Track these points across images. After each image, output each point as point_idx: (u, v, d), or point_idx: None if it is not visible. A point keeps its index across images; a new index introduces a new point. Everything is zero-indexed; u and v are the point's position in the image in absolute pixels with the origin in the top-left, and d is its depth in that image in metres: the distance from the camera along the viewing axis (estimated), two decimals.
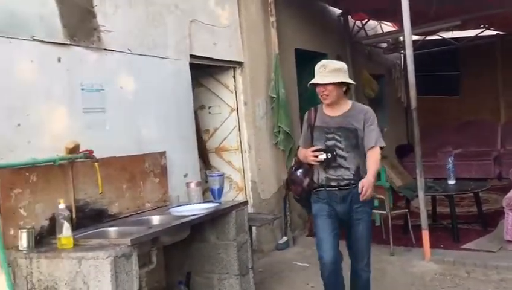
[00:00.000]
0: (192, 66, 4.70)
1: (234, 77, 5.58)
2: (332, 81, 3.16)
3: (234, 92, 5.59)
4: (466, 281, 4.29)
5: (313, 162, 3.20)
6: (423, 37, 8.76)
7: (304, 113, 3.52)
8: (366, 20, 8.42)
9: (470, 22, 7.59)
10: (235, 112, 5.61)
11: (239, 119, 5.61)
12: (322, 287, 3.32)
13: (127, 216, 3.69)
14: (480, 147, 9.40)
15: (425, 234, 4.82)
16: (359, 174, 3.20)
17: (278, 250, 5.62)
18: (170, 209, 3.77)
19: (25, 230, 2.87)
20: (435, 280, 4.40)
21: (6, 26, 3.05)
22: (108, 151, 3.61)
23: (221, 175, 4.36)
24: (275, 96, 5.80)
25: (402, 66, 9.83)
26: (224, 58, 5.29)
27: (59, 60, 3.38)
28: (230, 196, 5.47)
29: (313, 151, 3.18)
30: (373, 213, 4.59)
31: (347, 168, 3.20)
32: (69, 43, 3.46)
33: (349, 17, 8.23)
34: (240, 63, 5.54)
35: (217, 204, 3.90)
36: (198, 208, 3.74)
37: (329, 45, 7.36)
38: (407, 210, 5.58)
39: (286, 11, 6.32)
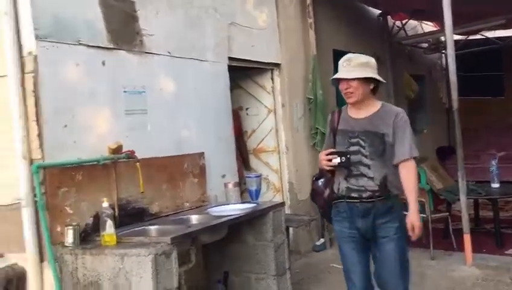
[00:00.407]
0: (230, 68, 4.75)
1: (272, 78, 5.61)
2: (357, 76, 2.71)
3: (272, 93, 5.63)
4: (510, 288, 4.17)
5: (326, 167, 2.78)
6: (465, 36, 8.54)
7: None
8: (406, 20, 8.29)
9: None
10: (273, 113, 5.64)
11: (276, 120, 5.63)
12: None
13: (167, 215, 3.77)
14: None
15: (467, 238, 4.71)
16: (385, 186, 2.73)
17: (315, 251, 5.61)
18: (208, 209, 3.84)
19: (71, 227, 2.98)
20: (477, 285, 4.29)
21: (53, 31, 3.18)
22: (149, 151, 3.70)
23: (259, 176, 4.40)
24: (312, 97, 5.79)
25: (444, 67, 9.62)
26: (262, 60, 5.33)
27: (103, 63, 3.49)
28: (268, 196, 5.50)
29: (326, 155, 2.76)
30: None
31: (371, 178, 2.73)
32: (112, 47, 3.57)
33: (389, 17, 8.14)
34: (277, 65, 5.56)
35: (255, 205, 3.94)
36: (236, 209, 3.80)
37: (368, 46, 7.26)
38: (448, 213, 5.48)
39: (324, 12, 6.31)
